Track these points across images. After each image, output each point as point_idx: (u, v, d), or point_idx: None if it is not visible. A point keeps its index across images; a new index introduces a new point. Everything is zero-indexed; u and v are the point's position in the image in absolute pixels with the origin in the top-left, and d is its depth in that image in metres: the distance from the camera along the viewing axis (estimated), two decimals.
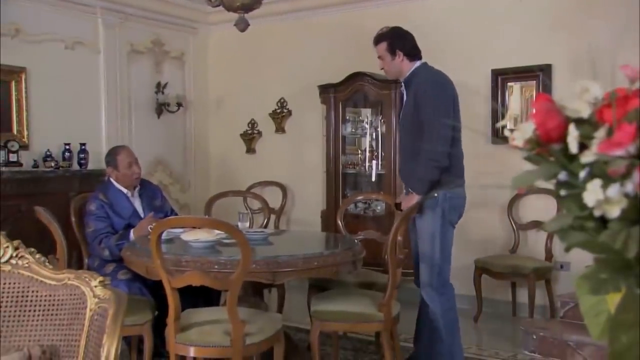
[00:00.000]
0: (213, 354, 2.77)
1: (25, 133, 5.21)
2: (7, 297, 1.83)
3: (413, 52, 3.49)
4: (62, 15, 5.49)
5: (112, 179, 3.88)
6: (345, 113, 5.73)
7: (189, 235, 3.18)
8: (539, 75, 4.88)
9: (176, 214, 4.28)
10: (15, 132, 5.15)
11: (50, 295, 1.82)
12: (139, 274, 3.20)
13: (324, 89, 5.68)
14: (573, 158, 0.75)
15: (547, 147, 0.78)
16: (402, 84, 3.59)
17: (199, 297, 3.47)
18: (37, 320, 1.82)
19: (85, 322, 1.74)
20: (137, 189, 3.93)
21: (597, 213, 0.72)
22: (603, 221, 0.73)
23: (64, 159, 5.34)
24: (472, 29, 5.19)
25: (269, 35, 6.26)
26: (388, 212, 5.15)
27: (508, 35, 5.03)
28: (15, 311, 1.83)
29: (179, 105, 6.35)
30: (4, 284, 1.84)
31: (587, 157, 0.73)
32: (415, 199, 3.36)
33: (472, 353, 4.03)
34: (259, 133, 6.57)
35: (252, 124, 6.58)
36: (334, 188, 5.68)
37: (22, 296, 1.83)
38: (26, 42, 5.23)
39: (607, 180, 0.70)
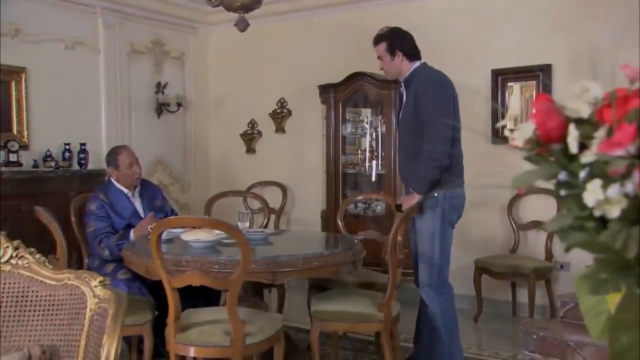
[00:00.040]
0: (213, 354, 2.77)
1: (25, 133, 5.21)
2: (7, 297, 1.83)
3: (412, 53, 3.49)
4: (62, 15, 5.49)
5: (112, 179, 3.89)
6: (345, 113, 5.73)
7: (189, 235, 3.18)
8: (539, 75, 4.88)
9: (176, 214, 4.28)
10: (15, 132, 5.15)
11: (50, 295, 1.82)
12: (139, 273, 3.20)
13: (324, 89, 5.68)
14: (573, 158, 0.75)
15: (547, 147, 0.78)
16: (402, 84, 3.59)
17: (199, 297, 3.47)
18: (37, 320, 1.82)
19: (85, 322, 1.74)
20: (137, 189, 3.93)
21: (597, 213, 0.72)
22: (603, 221, 0.73)
23: (64, 159, 5.34)
24: (472, 29, 5.19)
25: (269, 35, 6.26)
26: (388, 212, 5.14)
27: (508, 35, 5.03)
28: (15, 311, 1.83)
29: (179, 105, 6.35)
30: (4, 284, 1.84)
31: (587, 157, 0.73)
32: (415, 198, 3.36)
33: (472, 353, 4.03)
34: (259, 133, 6.57)
35: (252, 124, 6.58)
36: (334, 188, 5.68)
37: (22, 296, 1.83)
38: (26, 42, 5.23)
39: (607, 180, 0.70)
